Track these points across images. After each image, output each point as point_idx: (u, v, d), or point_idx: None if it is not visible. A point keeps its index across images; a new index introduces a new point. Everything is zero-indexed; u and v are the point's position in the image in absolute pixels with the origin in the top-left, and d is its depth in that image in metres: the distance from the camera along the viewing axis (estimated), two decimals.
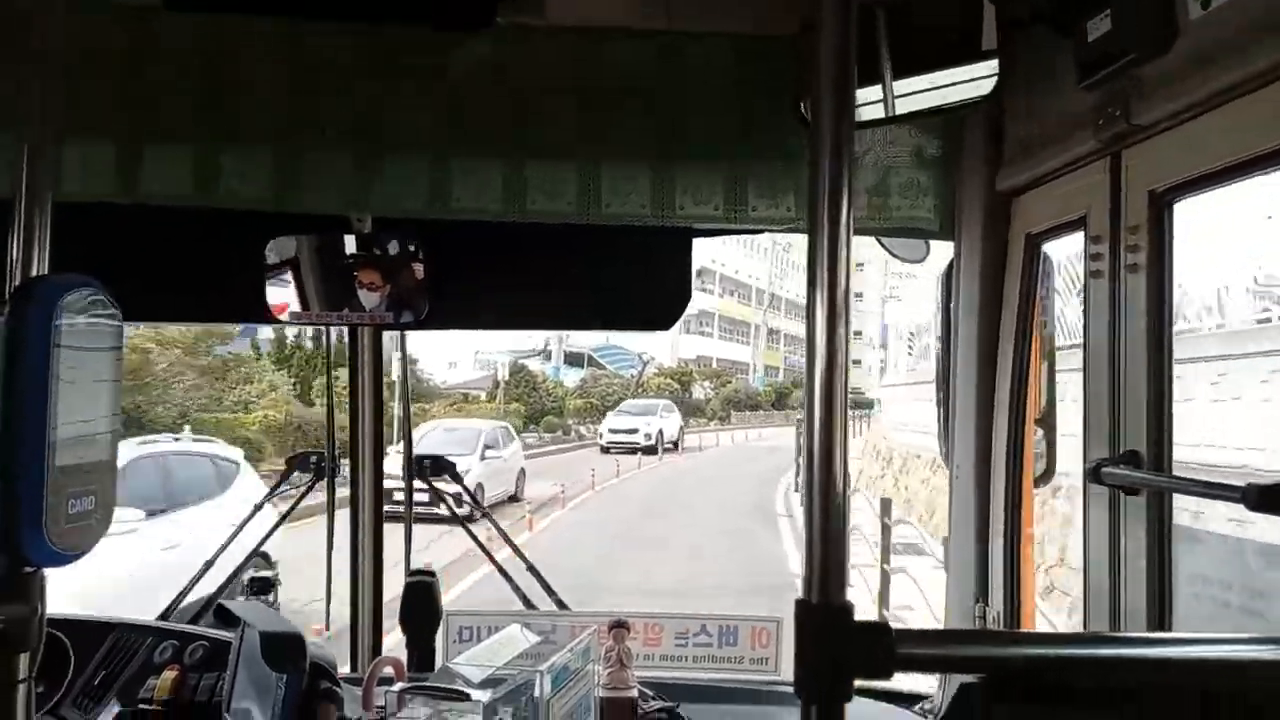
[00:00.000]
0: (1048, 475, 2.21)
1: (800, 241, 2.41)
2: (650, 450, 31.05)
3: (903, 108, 1.89)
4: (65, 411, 1.29)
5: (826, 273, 0.90)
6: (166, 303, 2.65)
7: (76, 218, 2.19)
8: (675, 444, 34.01)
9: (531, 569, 2.84)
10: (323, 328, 2.84)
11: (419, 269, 2.45)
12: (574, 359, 45.64)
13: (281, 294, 2.48)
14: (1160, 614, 1.56)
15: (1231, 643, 0.96)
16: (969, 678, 0.93)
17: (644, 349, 43.69)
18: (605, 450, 30.82)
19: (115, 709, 2.17)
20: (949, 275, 2.30)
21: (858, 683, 0.89)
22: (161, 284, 2.50)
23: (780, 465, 24.05)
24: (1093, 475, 1.65)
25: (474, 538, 2.85)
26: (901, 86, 1.86)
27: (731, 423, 45.10)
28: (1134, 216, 1.64)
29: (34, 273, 1.33)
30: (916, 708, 2.35)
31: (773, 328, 61.75)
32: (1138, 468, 1.60)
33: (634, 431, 32.37)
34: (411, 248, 2.47)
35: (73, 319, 1.30)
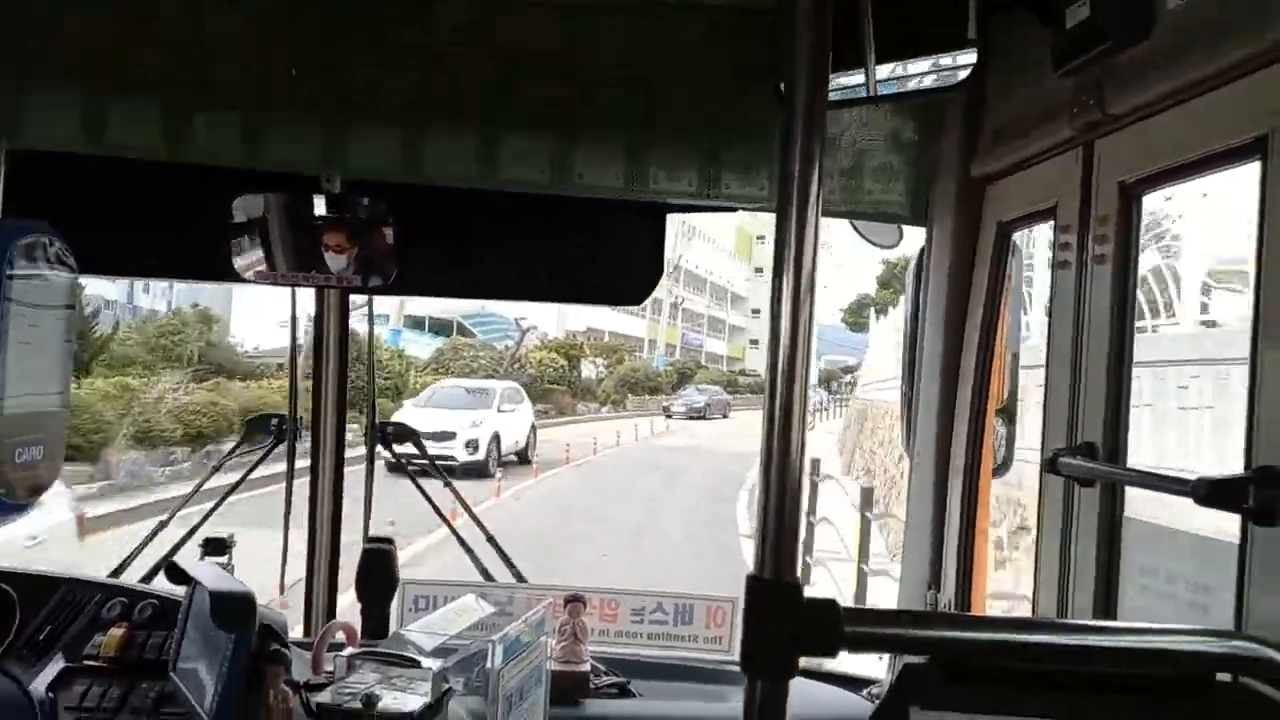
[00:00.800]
0: (1005, 466, 2.23)
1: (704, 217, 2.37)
2: (479, 472, 17.62)
3: (881, 90, 1.88)
4: (14, 359, 1.26)
5: (793, 251, 0.90)
6: (127, 257, 2.59)
7: (37, 167, 2.15)
8: (523, 454, 21.27)
9: (491, 540, 2.84)
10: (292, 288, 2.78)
11: (388, 233, 2.42)
12: (440, 326, 39.04)
13: (247, 252, 2.43)
14: (1107, 604, 1.58)
15: (1174, 633, 0.97)
16: (916, 659, 0.93)
17: (524, 315, 34.44)
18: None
19: (61, 664, 2.15)
20: (919, 262, 2.31)
21: (808, 664, 0.89)
22: (123, 238, 2.45)
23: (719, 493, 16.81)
24: (1049, 465, 1.67)
25: (437, 510, 2.83)
26: (881, 70, 1.85)
27: (627, 409, 38.10)
28: (1103, 207, 1.65)
29: None
30: (864, 691, 2.37)
31: (673, 301, 56.51)
32: (1093, 459, 1.62)
33: (449, 437, 17.68)
34: (381, 212, 2.44)
35: (25, 265, 1.27)
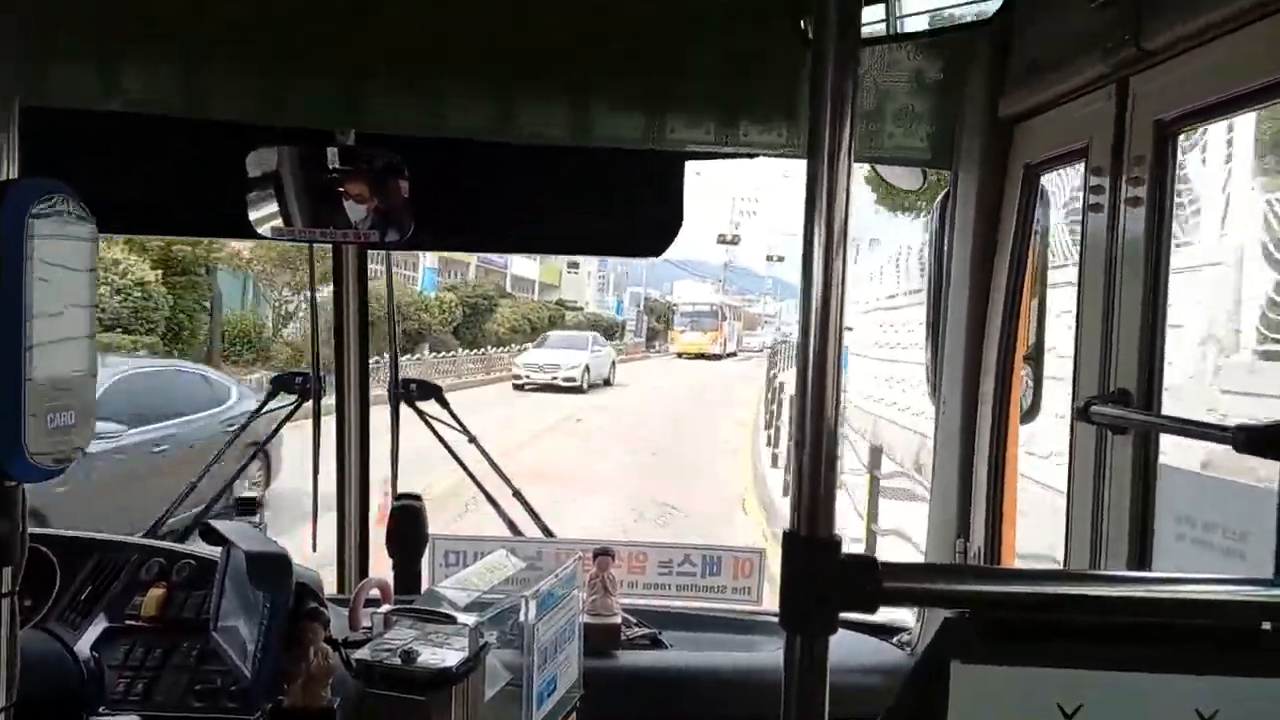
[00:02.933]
0: (1033, 412, 2.21)
1: None
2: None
3: (906, 27, 1.82)
4: (40, 323, 1.26)
5: (825, 198, 0.87)
6: (143, 215, 2.59)
7: (52, 125, 2.13)
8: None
9: (518, 495, 2.86)
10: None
11: (404, 187, 2.39)
12: None
13: (263, 209, 2.42)
14: (1142, 554, 1.57)
15: (1208, 582, 0.96)
16: (949, 612, 0.93)
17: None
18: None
19: (103, 624, 2.19)
20: (943, 205, 2.27)
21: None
22: (140, 195, 2.44)
23: None
24: (1081, 414, 1.65)
25: (464, 466, 2.85)
26: (906, 4, 1.79)
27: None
28: (1138, 147, 1.60)
29: (3, 176, 1.28)
30: (894, 640, 2.39)
31: None
32: (1127, 406, 1.60)
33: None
34: (397, 165, 2.41)
35: (46, 225, 1.26)
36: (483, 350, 30.48)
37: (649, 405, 23.53)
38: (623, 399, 25.23)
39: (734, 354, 49.61)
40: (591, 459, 15.14)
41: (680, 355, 44.80)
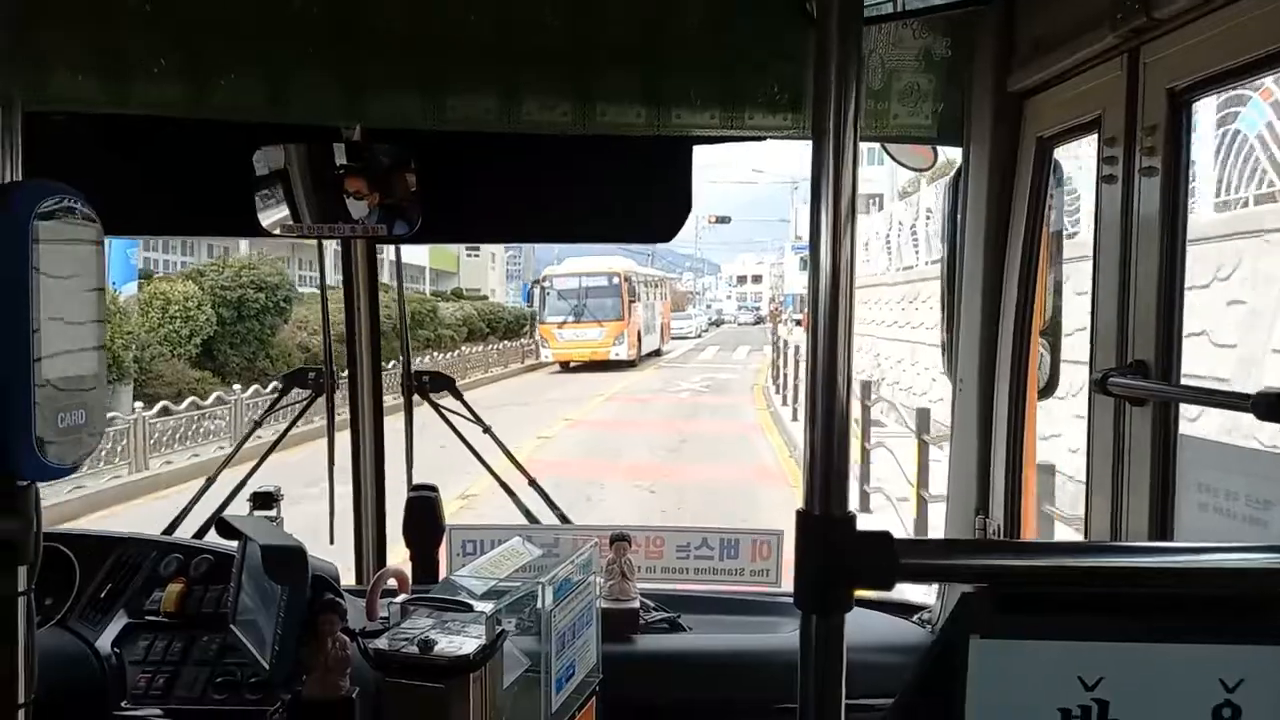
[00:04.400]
0: (1051, 387, 2.19)
1: None
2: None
3: (910, 4, 1.80)
4: (50, 324, 1.27)
5: (831, 178, 0.86)
6: (150, 216, 2.59)
7: (57, 127, 2.14)
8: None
9: (533, 484, 2.86)
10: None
11: (411, 180, 2.39)
12: None
13: (271, 206, 2.42)
14: (1164, 525, 1.56)
15: (1230, 551, 0.95)
16: (968, 588, 0.92)
17: None
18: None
19: (124, 620, 2.21)
20: (955, 182, 2.24)
21: (856, 593, 0.89)
22: (146, 196, 2.45)
23: None
24: (1099, 386, 1.63)
25: (478, 456, 2.85)
26: None
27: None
28: (1151, 116, 1.58)
29: (7, 179, 1.29)
30: (915, 618, 2.38)
31: None
32: (1145, 378, 1.58)
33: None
34: (404, 158, 2.41)
35: (51, 227, 1.26)
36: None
37: None
38: None
39: (658, 352, 34.57)
40: None
41: (563, 365, 29.69)
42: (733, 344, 43.37)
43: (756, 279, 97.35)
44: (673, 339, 39.24)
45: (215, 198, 2.50)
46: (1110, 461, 1.67)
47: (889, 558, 0.86)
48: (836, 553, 0.86)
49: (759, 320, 71.22)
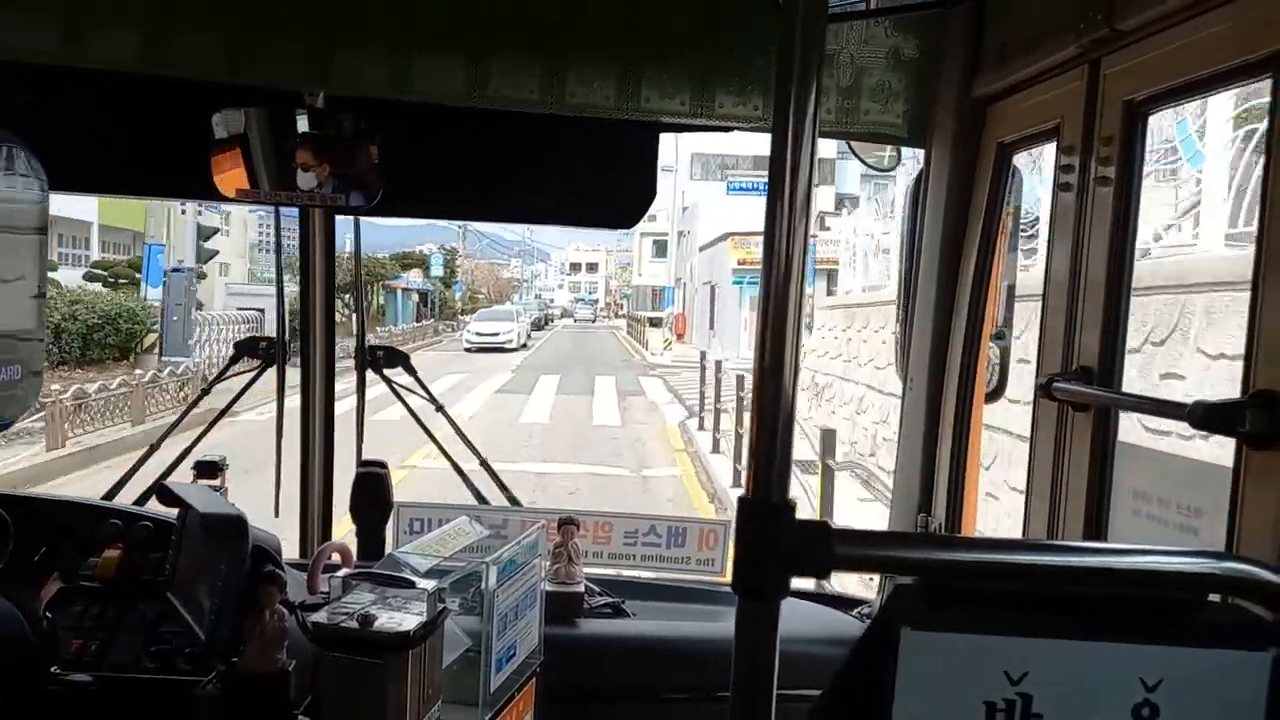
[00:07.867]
0: (999, 392, 2.23)
1: None
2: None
3: (881, 1, 1.81)
4: None
5: (788, 170, 0.87)
6: (101, 174, 2.52)
7: (5, 78, 2.07)
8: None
9: (485, 465, 2.84)
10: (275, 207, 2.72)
11: (374, 151, 2.35)
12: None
13: (227, 170, 2.37)
14: (1098, 527, 1.59)
15: (1165, 554, 0.97)
16: (906, 581, 0.93)
17: None
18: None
19: (58, 585, 2.16)
20: (918, 184, 2.27)
21: (801, 585, 0.89)
22: (97, 154, 2.38)
23: None
24: (1044, 390, 1.66)
25: (429, 434, 2.83)
26: None
27: None
28: (1108, 127, 1.61)
29: None
30: (854, 611, 2.41)
31: None
32: (1089, 384, 1.61)
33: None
34: (366, 129, 2.37)
35: None
36: None
37: None
38: None
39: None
40: None
41: None
42: (581, 378, 25.28)
43: (592, 267, 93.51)
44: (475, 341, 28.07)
45: (171, 158, 2.43)
46: (1050, 464, 1.71)
47: (826, 546, 0.87)
48: (774, 538, 0.87)
49: (595, 317, 64.73)
